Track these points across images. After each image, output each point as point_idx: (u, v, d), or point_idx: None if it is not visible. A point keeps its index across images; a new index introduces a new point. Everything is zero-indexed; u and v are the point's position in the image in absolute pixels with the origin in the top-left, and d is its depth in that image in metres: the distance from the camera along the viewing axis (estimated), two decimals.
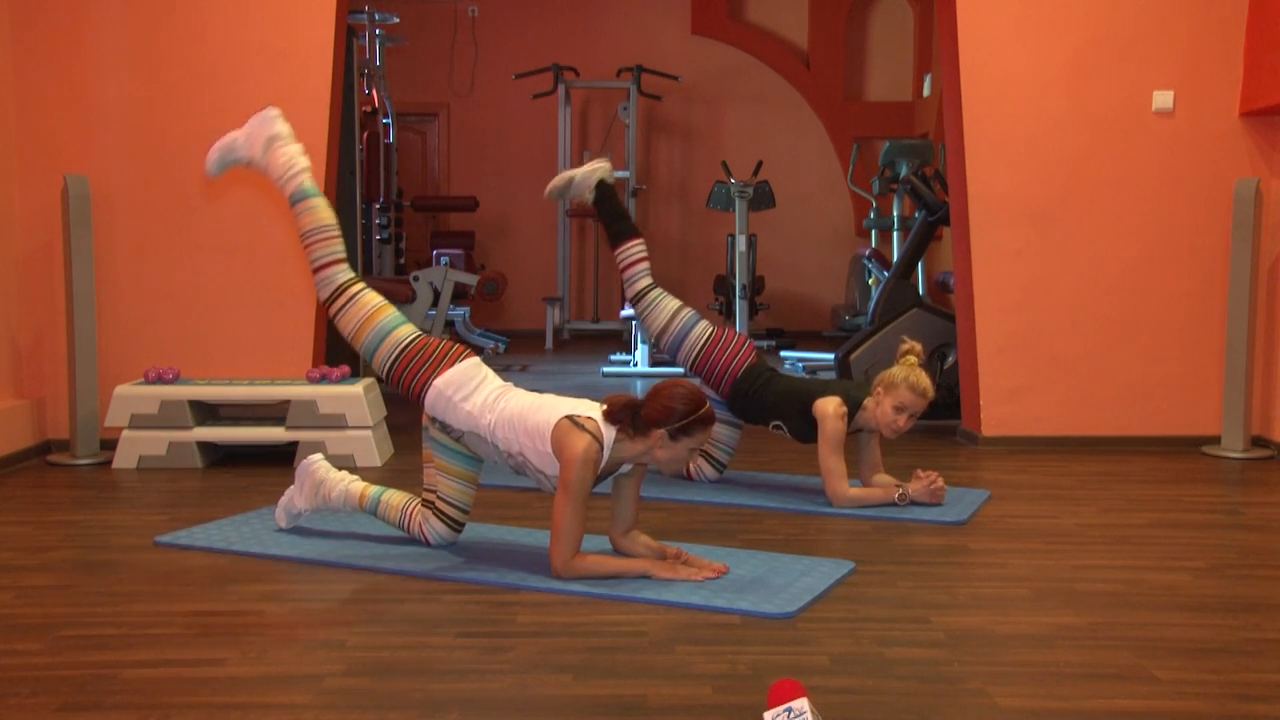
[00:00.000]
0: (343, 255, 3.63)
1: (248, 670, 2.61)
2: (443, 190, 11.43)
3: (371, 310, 3.53)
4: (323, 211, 3.63)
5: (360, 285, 3.59)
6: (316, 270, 3.61)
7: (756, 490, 4.48)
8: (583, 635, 2.83)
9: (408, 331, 3.52)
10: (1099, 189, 5.43)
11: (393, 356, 3.48)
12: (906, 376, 4.07)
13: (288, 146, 3.67)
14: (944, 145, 6.26)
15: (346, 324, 3.54)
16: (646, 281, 4.64)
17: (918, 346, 4.18)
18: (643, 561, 3.28)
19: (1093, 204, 5.43)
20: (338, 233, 3.65)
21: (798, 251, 11.35)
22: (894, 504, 4.13)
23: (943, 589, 3.23)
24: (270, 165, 3.67)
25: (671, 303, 4.60)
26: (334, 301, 3.56)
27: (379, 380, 4.97)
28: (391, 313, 3.56)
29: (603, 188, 4.71)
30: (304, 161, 3.67)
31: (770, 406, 4.38)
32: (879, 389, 4.13)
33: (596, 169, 4.71)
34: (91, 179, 5.09)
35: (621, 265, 4.68)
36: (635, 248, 4.66)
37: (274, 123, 3.68)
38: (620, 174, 10.60)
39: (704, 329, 4.53)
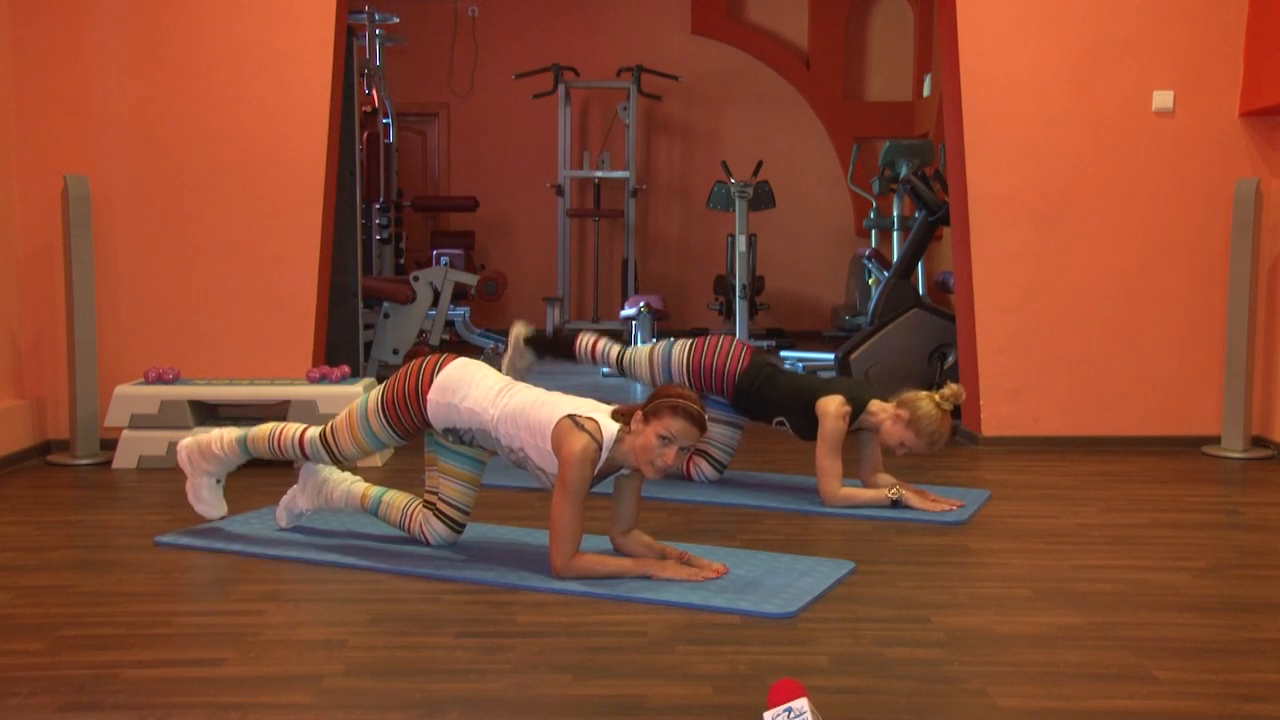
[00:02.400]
0: (300, 426, 3.67)
1: (248, 670, 2.61)
2: (443, 190, 11.42)
3: (345, 418, 3.56)
4: (260, 428, 3.69)
5: (329, 423, 3.61)
6: (301, 455, 3.64)
7: (756, 490, 4.48)
8: (583, 635, 2.83)
9: (375, 392, 3.55)
10: (1099, 189, 5.43)
11: (381, 418, 3.49)
12: (934, 431, 4.03)
13: (202, 440, 3.75)
14: (944, 145, 6.26)
15: (348, 449, 3.56)
16: (616, 349, 4.80)
17: (962, 394, 4.13)
18: (643, 561, 3.28)
19: (1093, 204, 5.43)
20: (282, 422, 3.73)
21: (798, 251, 11.34)
22: (886, 504, 4.12)
23: (943, 589, 3.23)
24: (215, 459, 3.75)
25: (644, 350, 4.70)
26: (331, 454, 3.59)
27: (381, 379, 4.96)
28: (356, 400, 3.60)
29: (531, 341, 4.97)
30: (219, 430, 3.76)
31: (773, 402, 4.37)
32: (902, 411, 4.08)
33: (515, 336, 4.97)
34: (91, 179, 5.09)
35: (590, 359, 4.85)
36: (585, 341, 4.87)
37: (181, 446, 3.79)
38: (620, 174, 10.61)
39: (682, 346, 4.58)
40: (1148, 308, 5.46)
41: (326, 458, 3.61)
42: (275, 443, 3.65)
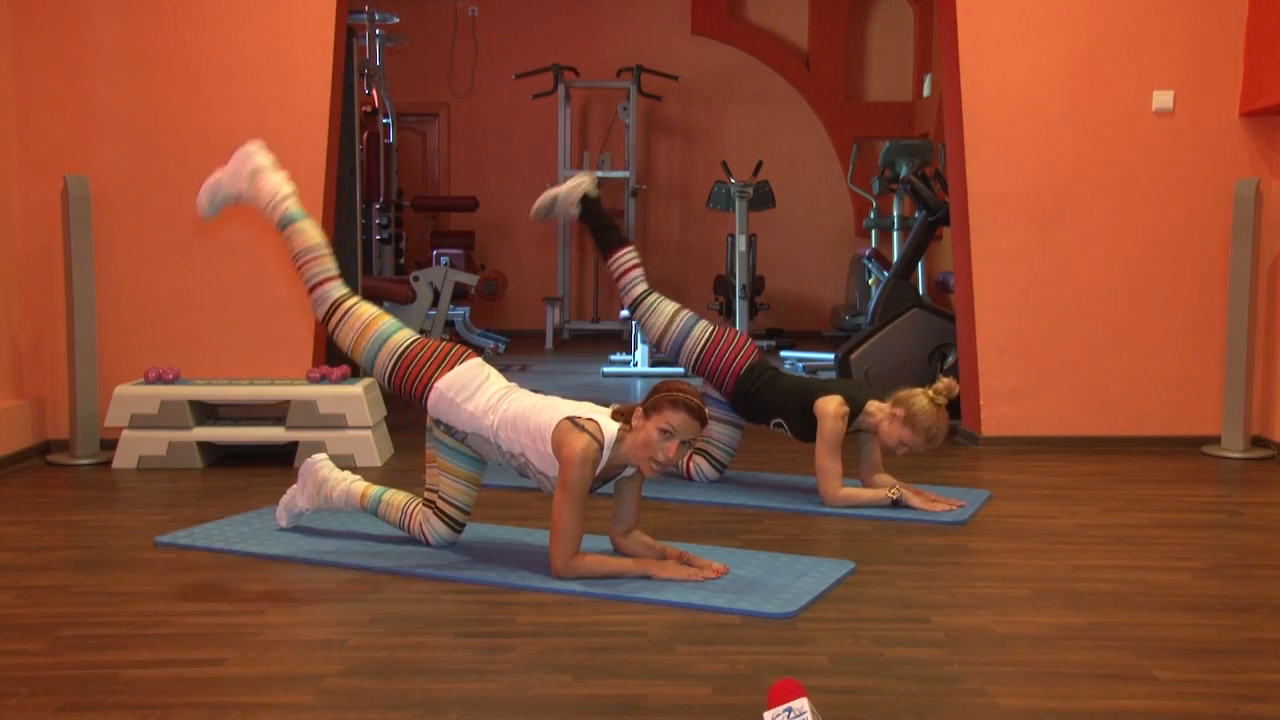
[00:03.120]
0: (335, 272, 3.63)
1: (248, 670, 2.61)
2: (443, 190, 11.43)
3: (367, 320, 3.54)
4: (311, 233, 3.63)
5: (354, 299, 3.60)
6: (310, 290, 3.61)
7: (756, 490, 4.48)
8: (583, 635, 2.83)
9: (405, 336, 3.52)
10: (1099, 189, 5.43)
11: (392, 362, 3.48)
12: (930, 426, 4.02)
13: (271, 175, 3.70)
14: (944, 145, 6.26)
15: (344, 338, 3.55)
16: (642, 287, 4.66)
17: (955, 388, 4.13)
18: (643, 562, 3.28)
19: (1093, 204, 5.44)
20: (327, 251, 3.66)
21: (798, 251, 11.35)
22: (886, 504, 4.12)
23: (943, 589, 3.23)
24: (256, 196, 3.69)
25: (669, 306, 4.61)
26: (330, 318, 3.57)
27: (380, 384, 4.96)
28: (387, 320, 3.57)
29: (587, 202, 4.73)
30: (288, 188, 3.69)
31: (772, 404, 4.37)
32: (898, 409, 4.08)
33: (579, 184, 4.73)
34: (91, 179, 5.09)
35: (616, 274, 4.70)
36: (627, 255, 4.69)
37: (255, 155, 3.72)
38: (620, 174, 10.61)
39: (704, 329, 4.53)
40: (1148, 308, 5.46)
41: (322, 315, 3.56)
42: (304, 260, 3.59)
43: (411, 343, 3.50)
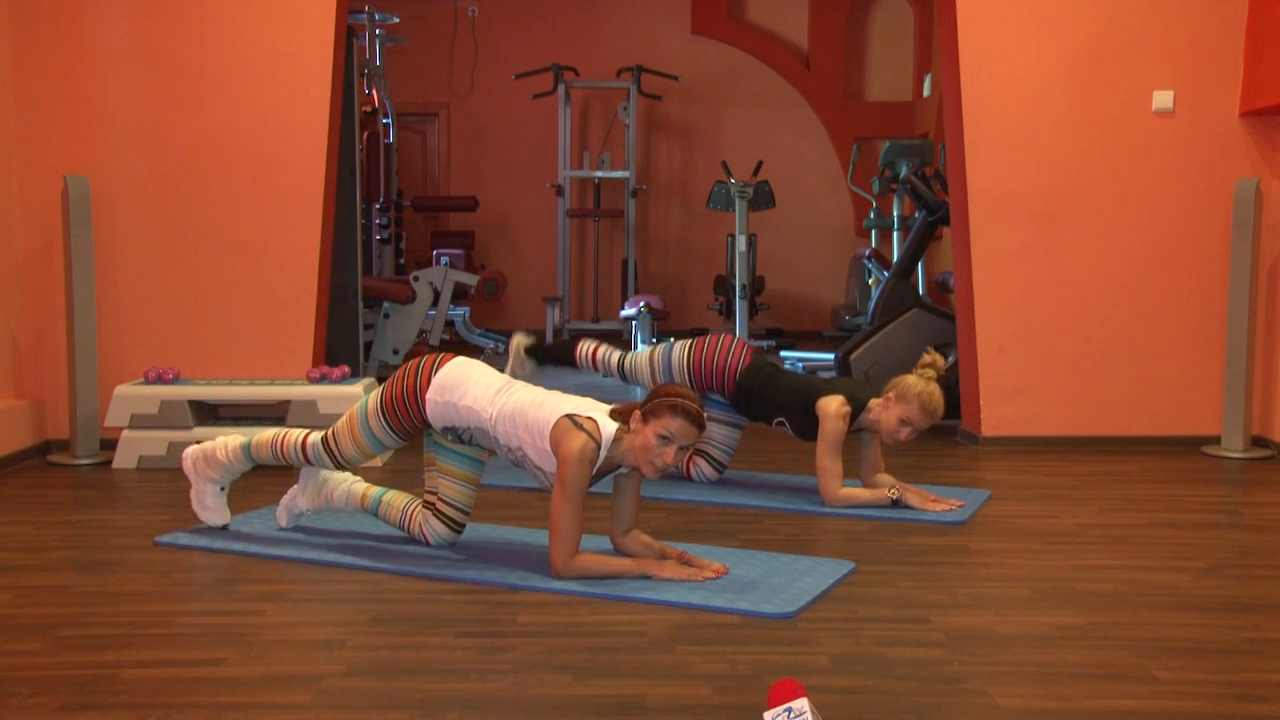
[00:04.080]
0: (303, 431, 3.65)
1: (248, 670, 2.61)
2: (443, 190, 11.43)
3: (346, 422, 3.55)
4: (263, 434, 3.68)
5: (331, 427, 3.61)
6: (304, 460, 3.63)
7: (756, 490, 4.48)
8: (583, 635, 2.83)
9: (375, 394, 3.55)
10: (1099, 189, 5.43)
11: (381, 419, 3.49)
12: (921, 392, 4.04)
13: (208, 448, 3.75)
14: (944, 145, 6.26)
15: (350, 453, 3.56)
16: (615, 356, 4.76)
17: (941, 361, 4.13)
18: (643, 561, 3.28)
19: (1093, 204, 5.43)
20: (279, 429, 3.72)
21: (798, 251, 11.34)
22: (886, 504, 4.12)
23: (943, 589, 3.23)
24: (221, 466, 3.74)
25: (644, 353, 4.68)
26: (333, 458, 3.58)
27: (381, 379, 4.96)
28: (357, 403, 3.60)
29: (532, 350, 5.01)
30: (224, 438, 3.76)
31: (773, 403, 4.37)
32: (891, 394, 4.10)
33: (516, 345, 5.07)
34: (91, 179, 5.08)
35: (590, 365, 4.81)
36: (584, 348, 4.84)
37: (188, 454, 3.77)
38: (620, 174, 10.61)
39: (682, 346, 4.57)
40: (1148, 308, 5.46)
41: (329, 462, 3.60)
42: (279, 449, 3.64)
43: (383, 390, 3.52)
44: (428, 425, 3.47)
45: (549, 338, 10.24)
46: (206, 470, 3.75)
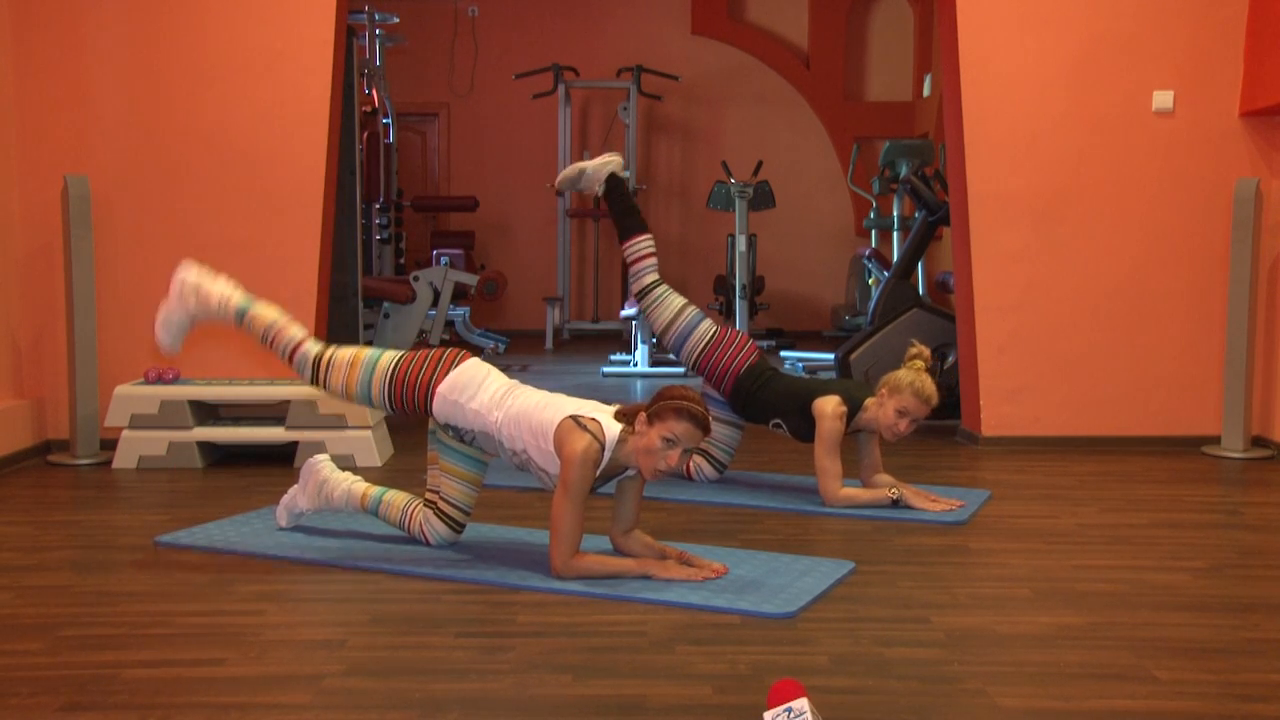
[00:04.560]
0: (303, 334, 3.62)
1: (248, 670, 2.61)
2: (443, 190, 11.43)
3: (349, 360, 3.53)
4: (265, 312, 3.63)
5: (331, 348, 3.59)
6: (290, 359, 3.59)
7: (756, 490, 4.48)
8: (583, 635, 2.83)
9: (391, 356, 3.53)
10: (1099, 189, 5.43)
11: (387, 383, 3.48)
12: (912, 382, 4.05)
13: (210, 284, 3.69)
14: (944, 145, 6.26)
15: (335, 385, 3.53)
16: (653, 277, 4.64)
17: (926, 351, 4.16)
18: (643, 562, 3.28)
19: (1093, 204, 5.43)
20: (287, 318, 3.66)
21: (798, 251, 11.35)
22: (886, 504, 4.12)
23: (943, 589, 3.23)
24: (206, 308, 3.68)
25: (676, 300, 4.60)
26: (316, 376, 3.55)
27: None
28: (368, 351, 3.57)
29: (613, 181, 4.74)
30: (228, 287, 3.69)
31: (771, 405, 4.38)
32: (883, 390, 4.12)
33: (608, 162, 4.73)
34: (91, 179, 5.09)
35: (629, 259, 4.68)
36: (643, 243, 4.67)
37: (189, 274, 3.71)
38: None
39: (708, 328, 4.53)
40: (1148, 308, 5.46)
41: (308, 378, 3.56)
42: (271, 337, 3.59)
43: (399, 359, 3.50)
44: (429, 414, 3.47)
45: (549, 338, 10.25)
46: (193, 300, 3.68)
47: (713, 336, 4.50)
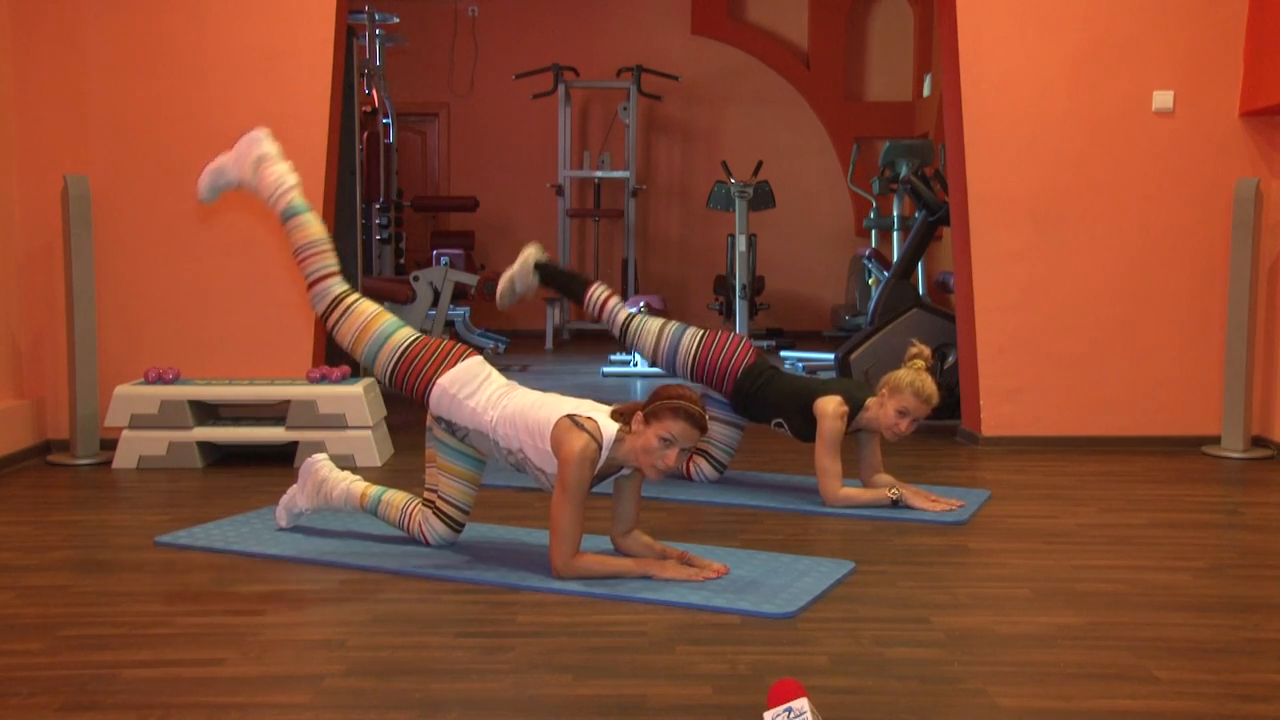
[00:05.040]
0: (336, 269, 3.62)
1: (248, 670, 2.61)
2: (443, 190, 11.43)
3: (368, 318, 3.53)
4: (313, 227, 3.62)
5: (355, 296, 3.59)
6: (311, 285, 3.60)
7: (756, 490, 4.48)
8: (583, 635, 2.83)
9: (406, 334, 3.53)
10: (1099, 189, 5.43)
11: (393, 360, 3.48)
12: (912, 381, 4.05)
13: (276, 165, 3.67)
14: (944, 145, 6.26)
15: (344, 335, 3.54)
16: (625, 313, 4.69)
17: (926, 350, 4.16)
18: (643, 562, 3.28)
19: (1093, 204, 5.43)
20: (329, 246, 3.64)
21: (798, 251, 11.34)
22: (886, 504, 4.12)
23: (943, 589, 3.23)
24: (260, 185, 3.67)
25: (654, 323, 4.62)
26: (330, 314, 3.56)
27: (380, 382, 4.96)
28: (388, 319, 3.57)
29: (540, 269, 4.81)
30: (293, 179, 3.66)
31: (772, 404, 4.38)
32: (884, 390, 4.12)
33: (527, 256, 4.81)
34: (91, 179, 5.09)
35: (595, 313, 4.74)
36: (598, 291, 4.74)
37: (261, 143, 3.69)
38: (620, 174, 10.62)
39: (693, 335, 4.53)
40: (1148, 308, 5.46)
41: (321, 311, 3.55)
42: (306, 255, 3.57)
43: (413, 341, 3.50)
44: (424, 403, 3.47)
45: (549, 338, 10.25)
46: (251, 171, 3.67)
47: (700, 342, 4.50)
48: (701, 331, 4.55)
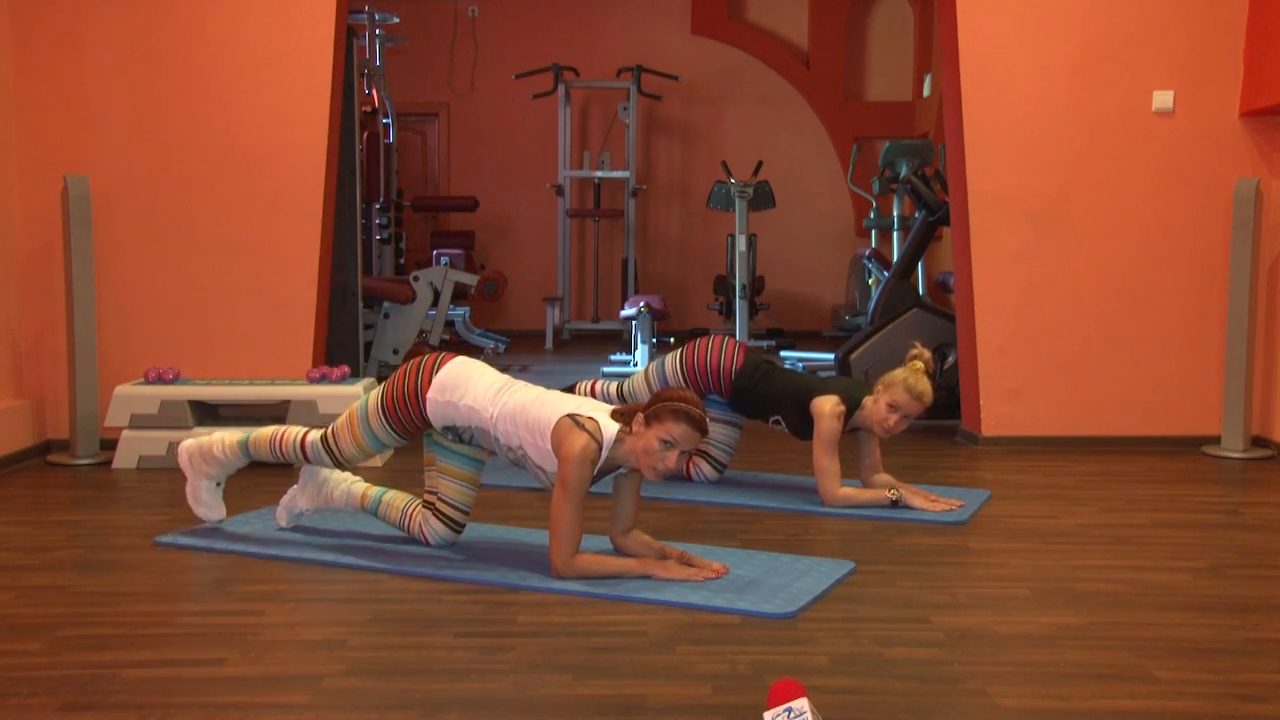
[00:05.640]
0: (302, 429, 3.67)
1: (248, 670, 2.61)
2: (443, 190, 11.43)
3: (346, 420, 3.57)
4: (260, 432, 3.70)
5: (330, 425, 3.63)
6: (302, 456, 3.63)
7: (756, 490, 4.48)
8: (583, 635, 2.83)
9: (375, 392, 3.55)
10: (1099, 189, 5.43)
11: (382, 418, 3.50)
12: (906, 379, 4.07)
13: (205, 442, 3.76)
14: (944, 145, 6.26)
15: (350, 452, 3.56)
16: (614, 386, 4.74)
17: (927, 354, 4.16)
18: (643, 561, 3.28)
19: (1093, 204, 5.43)
20: (283, 426, 3.75)
21: (798, 251, 11.34)
22: (886, 504, 4.12)
23: (943, 589, 3.23)
24: (216, 462, 3.76)
25: (639, 374, 4.69)
26: (333, 456, 3.59)
27: (381, 379, 4.95)
28: (356, 401, 3.61)
29: None
30: (222, 433, 3.76)
31: (770, 400, 4.38)
32: (879, 387, 4.14)
33: None
34: (91, 179, 5.08)
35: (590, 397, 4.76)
36: (582, 386, 4.79)
37: (184, 447, 3.78)
38: (620, 174, 10.62)
39: (672, 356, 4.59)
40: (1148, 308, 5.46)
41: (328, 460, 3.60)
42: (277, 446, 3.65)
43: (384, 388, 3.53)
44: (428, 425, 3.47)
45: (549, 338, 10.25)
46: (202, 465, 3.76)
47: (682, 356, 4.55)
48: (679, 349, 4.58)
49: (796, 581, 3.22)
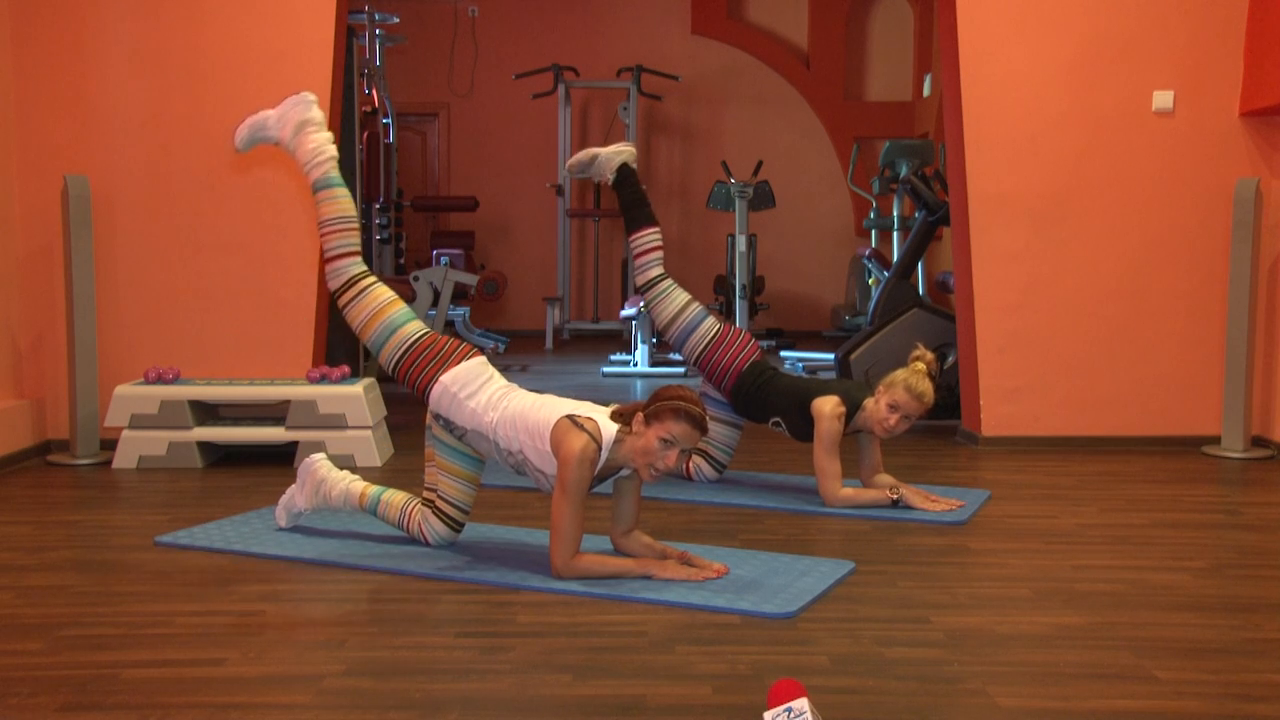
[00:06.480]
0: (357, 248, 3.65)
1: (248, 670, 2.61)
2: (443, 190, 11.43)
3: (381, 305, 3.55)
4: (344, 202, 3.66)
5: (372, 279, 3.61)
6: (330, 260, 3.62)
7: (756, 490, 4.48)
8: (583, 635, 2.83)
9: (416, 328, 3.54)
10: (1099, 189, 5.43)
11: (400, 352, 3.50)
12: (906, 379, 4.07)
13: (318, 134, 3.71)
14: (944, 145, 6.26)
15: (355, 316, 3.56)
16: (658, 271, 4.64)
17: (930, 355, 4.15)
18: (643, 562, 3.28)
19: (1093, 204, 5.43)
20: (356, 225, 3.67)
21: (798, 251, 11.35)
22: (886, 505, 4.12)
23: (943, 589, 3.23)
24: (299, 149, 3.71)
25: (681, 295, 4.61)
26: (344, 293, 3.58)
27: (381, 379, 4.96)
28: (401, 308, 3.58)
29: (624, 170, 4.70)
30: (332, 150, 3.71)
31: (770, 403, 4.38)
32: (880, 388, 4.14)
33: (621, 151, 4.71)
34: (91, 179, 5.09)
35: (635, 252, 4.67)
36: (650, 236, 4.66)
37: (309, 108, 3.74)
38: None
39: (710, 325, 4.53)
40: (1148, 308, 5.46)
41: (334, 288, 3.59)
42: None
43: (422, 335, 3.52)
44: (423, 400, 3.47)
45: (549, 338, 10.25)
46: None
47: (715, 334, 4.51)
48: (718, 325, 4.55)
49: (796, 581, 3.22)
